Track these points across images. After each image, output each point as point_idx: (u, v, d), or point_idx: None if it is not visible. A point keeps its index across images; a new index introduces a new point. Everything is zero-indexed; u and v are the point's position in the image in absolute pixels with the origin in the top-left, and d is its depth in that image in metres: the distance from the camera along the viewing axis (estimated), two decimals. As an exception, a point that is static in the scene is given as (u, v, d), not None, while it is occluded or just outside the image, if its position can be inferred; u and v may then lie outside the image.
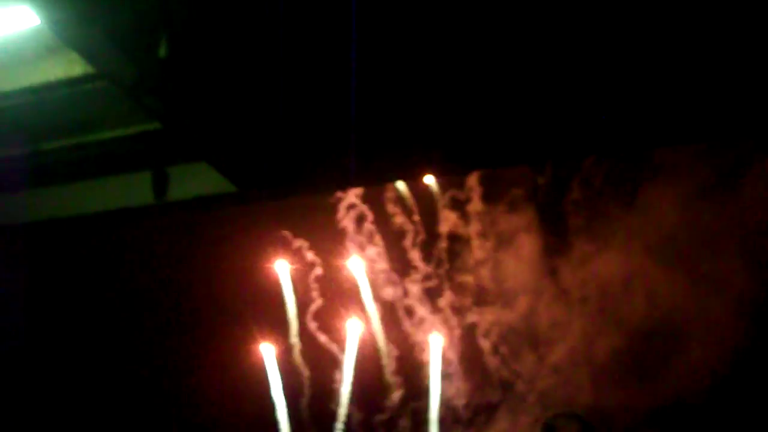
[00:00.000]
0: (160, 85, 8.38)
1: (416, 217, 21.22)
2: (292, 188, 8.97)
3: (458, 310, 21.14)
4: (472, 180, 20.71)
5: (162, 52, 8.30)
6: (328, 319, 21.59)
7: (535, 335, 20.33)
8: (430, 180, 20.72)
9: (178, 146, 8.88)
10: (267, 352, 20.95)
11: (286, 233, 20.96)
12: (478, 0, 8.51)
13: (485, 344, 20.87)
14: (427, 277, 21.42)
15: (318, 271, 21.31)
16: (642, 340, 18.86)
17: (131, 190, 9.16)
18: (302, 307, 21.51)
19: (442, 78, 8.86)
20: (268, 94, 8.88)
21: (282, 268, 21.04)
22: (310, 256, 21.35)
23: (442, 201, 21.23)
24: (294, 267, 21.08)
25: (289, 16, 8.70)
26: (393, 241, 21.22)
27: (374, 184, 16.93)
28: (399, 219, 21.28)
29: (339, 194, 20.31)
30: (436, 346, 20.81)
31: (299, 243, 21.11)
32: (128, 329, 20.74)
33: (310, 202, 18.99)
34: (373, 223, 21.27)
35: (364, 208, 21.27)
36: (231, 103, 8.81)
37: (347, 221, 21.32)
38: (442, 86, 8.89)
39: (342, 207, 21.05)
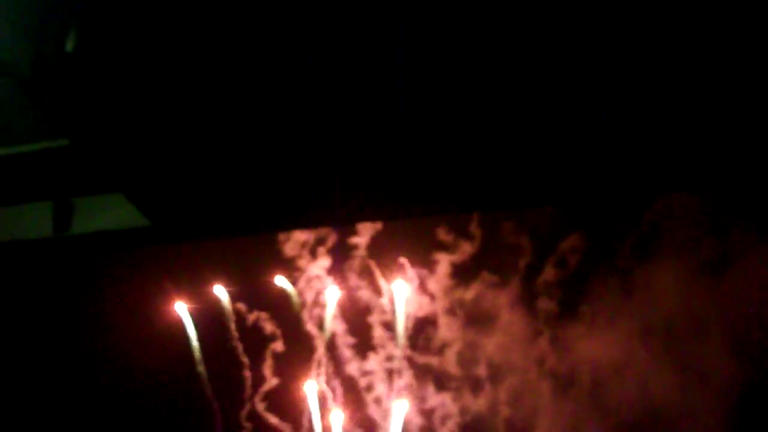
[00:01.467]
0: (61, 82, 6.78)
1: (379, 290, 19.59)
2: (224, 227, 7.31)
3: (418, 394, 19.49)
4: (442, 258, 19.26)
5: (69, 45, 6.72)
6: (279, 397, 19.68)
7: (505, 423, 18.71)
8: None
9: (85, 169, 7.28)
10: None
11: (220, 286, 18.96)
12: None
13: (443, 432, 19.23)
14: (388, 357, 19.77)
15: (259, 331, 19.40)
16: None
17: (28, 220, 7.53)
18: (254, 382, 19.62)
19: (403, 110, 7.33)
20: (199, 113, 7.27)
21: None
22: (245, 310, 19.44)
23: (408, 277, 19.71)
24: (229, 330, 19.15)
25: (229, 25, 7.15)
26: (348, 310, 19.51)
27: (327, 226, 15.14)
28: (361, 292, 19.65)
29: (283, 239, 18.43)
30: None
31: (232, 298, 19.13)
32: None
33: (243, 245, 17.04)
34: (329, 282, 19.52)
35: (312, 263, 19.50)
36: (152, 121, 7.19)
37: (298, 277, 19.49)
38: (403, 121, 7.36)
39: (289, 255, 19.18)
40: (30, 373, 18.34)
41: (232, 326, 19.46)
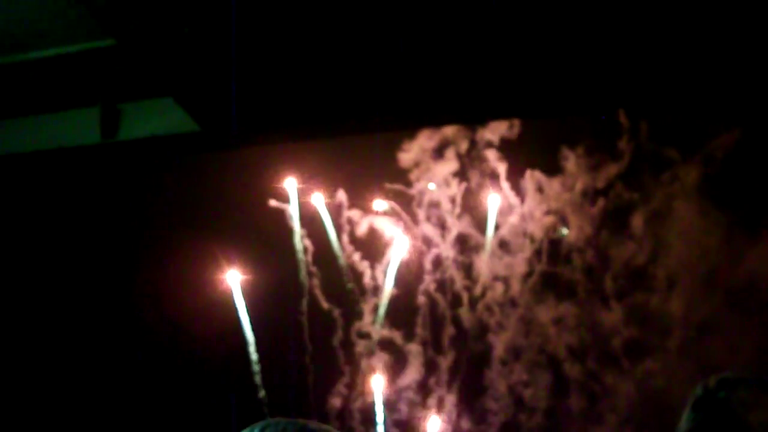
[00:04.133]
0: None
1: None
2: (277, 130, 6.63)
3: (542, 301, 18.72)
4: (576, 163, 18.23)
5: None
6: (392, 308, 19.11)
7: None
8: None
9: (133, 71, 6.66)
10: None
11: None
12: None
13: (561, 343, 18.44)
14: (508, 264, 19.01)
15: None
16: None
17: (76, 126, 7.02)
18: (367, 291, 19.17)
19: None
20: (248, 13, 6.53)
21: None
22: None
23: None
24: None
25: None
26: (473, 210, 18.61)
27: (390, 130, 14.16)
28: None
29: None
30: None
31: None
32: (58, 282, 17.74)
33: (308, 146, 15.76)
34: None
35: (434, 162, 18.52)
36: (203, 15, 6.49)
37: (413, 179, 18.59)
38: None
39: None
40: (75, 283, 17.81)
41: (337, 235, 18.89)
